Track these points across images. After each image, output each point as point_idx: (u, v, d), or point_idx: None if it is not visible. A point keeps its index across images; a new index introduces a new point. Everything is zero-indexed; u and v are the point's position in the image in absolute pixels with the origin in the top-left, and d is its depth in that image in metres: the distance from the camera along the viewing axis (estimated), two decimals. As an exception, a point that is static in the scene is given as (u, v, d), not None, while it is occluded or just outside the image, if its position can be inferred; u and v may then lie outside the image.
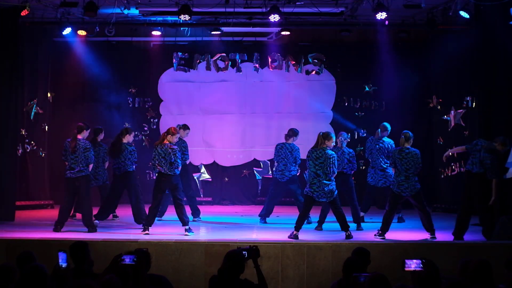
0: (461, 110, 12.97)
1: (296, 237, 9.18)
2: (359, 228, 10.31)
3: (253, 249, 5.71)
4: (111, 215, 11.25)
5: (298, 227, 9.31)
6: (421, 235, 9.52)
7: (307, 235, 9.45)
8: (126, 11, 11.52)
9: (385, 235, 9.36)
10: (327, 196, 9.46)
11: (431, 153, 13.88)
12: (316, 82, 14.35)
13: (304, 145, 11.34)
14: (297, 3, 11.21)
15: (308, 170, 9.57)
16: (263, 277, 5.75)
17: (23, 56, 12.47)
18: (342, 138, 10.86)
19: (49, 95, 13.79)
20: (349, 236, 9.28)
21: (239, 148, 14.45)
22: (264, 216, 11.28)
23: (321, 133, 9.63)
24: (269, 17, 11.08)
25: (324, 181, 9.40)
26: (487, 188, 9.39)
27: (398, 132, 10.23)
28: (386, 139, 11.35)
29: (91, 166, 10.25)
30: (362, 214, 11.01)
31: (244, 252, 5.66)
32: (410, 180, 9.40)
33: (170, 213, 11.22)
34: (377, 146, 11.25)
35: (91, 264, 5.76)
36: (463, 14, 10.95)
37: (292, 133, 11.21)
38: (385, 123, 11.48)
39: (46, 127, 13.61)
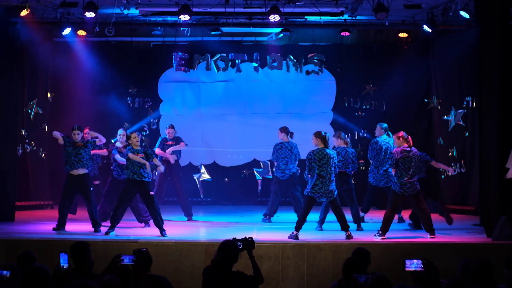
0: (461, 110, 12.97)
1: (296, 237, 9.17)
2: (359, 228, 10.30)
3: (248, 240, 5.72)
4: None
5: (298, 227, 9.30)
6: (421, 235, 9.52)
7: (307, 236, 9.45)
8: (126, 11, 11.52)
9: (385, 235, 9.35)
10: (328, 196, 9.45)
11: (431, 153, 13.86)
12: (316, 82, 14.35)
13: (304, 145, 11.33)
14: (297, 3, 11.19)
15: (308, 171, 9.54)
16: (259, 269, 5.75)
17: (23, 56, 12.47)
18: (347, 139, 10.95)
19: (49, 95, 13.79)
20: (349, 237, 9.27)
21: (239, 149, 14.46)
22: (268, 215, 11.30)
23: (325, 133, 9.62)
24: (269, 17, 11.07)
25: (327, 182, 9.38)
26: None
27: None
28: (388, 138, 11.35)
29: None
30: (362, 214, 11.01)
31: (238, 243, 5.67)
32: (412, 180, 9.39)
33: (169, 213, 11.26)
34: (384, 146, 11.22)
35: (92, 265, 5.76)
36: (464, 14, 10.95)
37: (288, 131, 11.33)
38: (384, 124, 11.49)
39: (46, 127, 13.60)
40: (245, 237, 5.77)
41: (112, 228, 9.60)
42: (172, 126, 11.83)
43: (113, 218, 9.69)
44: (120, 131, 11.09)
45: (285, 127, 11.45)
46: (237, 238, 5.77)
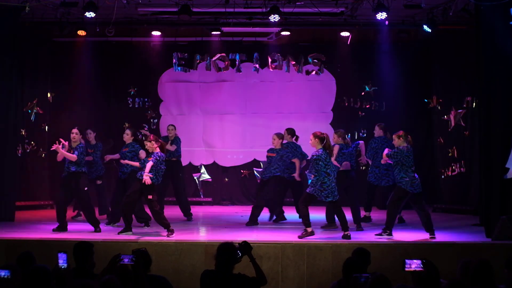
0: (461, 110, 12.97)
1: (312, 233, 9.17)
2: (359, 228, 10.29)
3: (243, 245, 5.65)
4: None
5: (308, 223, 9.30)
6: (421, 235, 9.51)
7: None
8: (126, 11, 11.51)
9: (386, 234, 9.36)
10: (334, 195, 9.40)
11: (431, 153, 13.88)
12: (316, 82, 14.34)
13: (304, 145, 11.33)
14: (297, 3, 11.20)
15: (313, 170, 9.51)
16: (261, 270, 5.68)
17: (23, 56, 12.46)
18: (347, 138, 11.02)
19: (49, 95, 13.79)
20: (346, 236, 9.25)
21: (239, 149, 14.46)
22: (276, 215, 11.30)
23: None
24: (269, 17, 11.07)
25: (333, 179, 9.39)
26: None
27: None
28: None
29: None
30: (367, 213, 11.04)
31: (237, 252, 5.62)
32: (415, 177, 9.39)
33: (169, 214, 11.24)
34: (385, 145, 11.23)
35: (93, 266, 5.76)
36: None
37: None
38: (382, 123, 11.55)
39: (46, 127, 13.61)
40: (239, 243, 5.69)
41: (127, 228, 9.61)
42: (172, 125, 11.84)
43: (124, 218, 9.68)
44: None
45: (291, 128, 11.44)
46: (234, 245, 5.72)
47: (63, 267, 5.30)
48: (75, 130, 10.18)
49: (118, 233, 9.50)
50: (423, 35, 12.99)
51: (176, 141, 11.73)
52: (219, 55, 14.19)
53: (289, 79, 14.34)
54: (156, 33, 13.18)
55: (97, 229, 9.89)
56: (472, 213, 12.12)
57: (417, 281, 5.13)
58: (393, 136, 9.72)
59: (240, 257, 5.58)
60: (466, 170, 12.83)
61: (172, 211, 11.73)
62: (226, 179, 14.54)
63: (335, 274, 7.72)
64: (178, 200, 11.75)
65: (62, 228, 9.88)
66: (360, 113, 14.36)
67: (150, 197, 9.53)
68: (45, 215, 11.93)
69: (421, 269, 5.06)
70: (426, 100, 14.04)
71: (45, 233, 9.73)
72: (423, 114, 14.13)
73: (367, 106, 14.35)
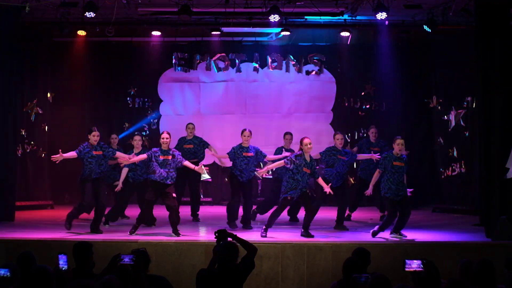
0: (461, 110, 12.97)
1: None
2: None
3: (221, 231, 5.85)
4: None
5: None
6: (422, 236, 9.51)
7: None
8: (126, 11, 11.51)
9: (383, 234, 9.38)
10: None
11: (431, 153, 13.88)
12: (316, 82, 14.35)
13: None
14: (297, 3, 11.20)
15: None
16: (246, 241, 5.88)
17: (23, 56, 12.45)
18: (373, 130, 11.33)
19: (49, 95, 13.79)
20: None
21: (239, 149, 14.42)
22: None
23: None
24: (269, 17, 11.08)
25: None
26: None
27: (398, 133, 10.21)
28: None
29: None
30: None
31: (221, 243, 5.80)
32: None
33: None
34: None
35: (92, 266, 5.77)
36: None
37: None
38: None
39: (46, 127, 13.61)
40: (215, 233, 5.95)
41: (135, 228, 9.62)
42: (191, 124, 11.66)
43: (139, 219, 9.71)
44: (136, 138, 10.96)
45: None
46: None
47: (63, 268, 5.30)
48: (96, 133, 10.00)
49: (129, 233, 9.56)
50: (423, 35, 12.99)
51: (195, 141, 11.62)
52: (219, 55, 14.23)
53: (289, 79, 14.35)
54: (156, 33, 13.17)
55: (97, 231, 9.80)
56: (472, 213, 12.11)
57: (417, 281, 5.13)
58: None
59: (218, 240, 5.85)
60: (466, 170, 12.83)
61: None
62: (226, 179, 14.50)
63: (335, 274, 7.72)
64: (193, 201, 11.73)
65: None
66: (360, 113, 14.36)
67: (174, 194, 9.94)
68: (45, 215, 11.92)
69: (421, 269, 5.06)
70: (426, 100, 14.03)
71: (45, 233, 9.73)
72: (423, 114, 14.12)
73: (367, 106, 14.36)
